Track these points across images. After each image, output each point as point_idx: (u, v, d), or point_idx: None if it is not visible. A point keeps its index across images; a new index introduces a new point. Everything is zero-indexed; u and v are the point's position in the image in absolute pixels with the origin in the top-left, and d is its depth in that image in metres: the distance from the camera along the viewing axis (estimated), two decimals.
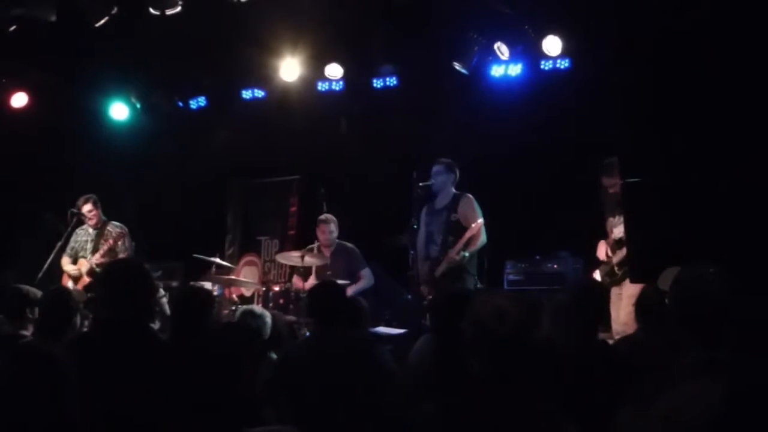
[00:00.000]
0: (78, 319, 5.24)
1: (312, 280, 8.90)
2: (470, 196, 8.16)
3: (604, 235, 7.67)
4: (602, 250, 7.64)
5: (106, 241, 8.79)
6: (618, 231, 7.40)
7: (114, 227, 8.93)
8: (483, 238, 7.98)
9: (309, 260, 8.85)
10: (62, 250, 8.92)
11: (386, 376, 4.94)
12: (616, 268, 7.41)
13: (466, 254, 7.87)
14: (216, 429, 3.88)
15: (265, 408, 4.87)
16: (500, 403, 2.84)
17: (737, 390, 2.55)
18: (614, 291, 7.35)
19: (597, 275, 7.62)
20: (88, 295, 8.37)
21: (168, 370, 3.75)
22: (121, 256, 8.76)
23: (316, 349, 5.03)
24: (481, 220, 7.90)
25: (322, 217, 9.08)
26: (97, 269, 8.65)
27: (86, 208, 8.88)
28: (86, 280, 8.68)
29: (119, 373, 3.67)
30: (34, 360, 3.67)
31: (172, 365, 3.79)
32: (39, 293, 5.42)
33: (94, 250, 8.81)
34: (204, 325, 4.67)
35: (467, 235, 7.85)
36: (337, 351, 4.90)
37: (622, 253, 7.26)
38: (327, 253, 9.00)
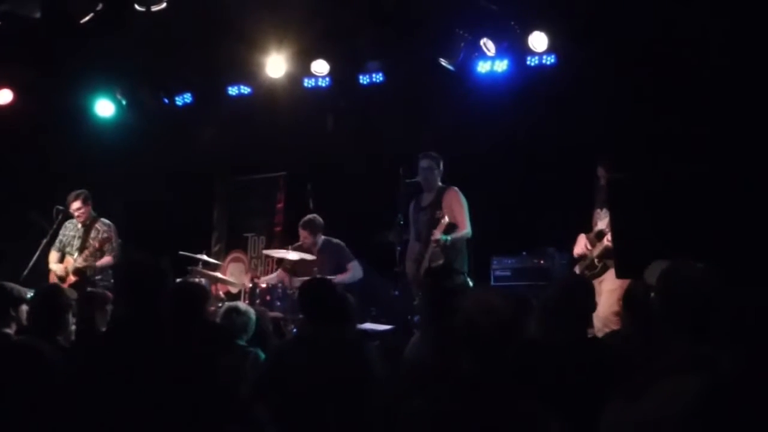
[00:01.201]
0: (69, 317, 5.22)
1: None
2: (455, 189, 8.07)
3: (589, 228, 7.67)
4: (581, 244, 7.62)
5: (94, 240, 8.76)
6: (602, 224, 7.41)
7: (102, 225, 8.88)
8: (467, 229, 7.90)
9: (296, 255, 8.85)
10: (49, 246, 8.89)
11: (376, 373, 4.95)
12: (596, 261, 7.39)
13: (447, 238, 7.79)
14: (198, 426, 3.88)
15: (256, 406, 4.87)
16: (488, 401, 2.85)
17: (716, 383, 2.57)
18: (594, 287, 7.32)
19: (576, 269, 7.61)
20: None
21: (171, 368, 3.75)
22: (106, 258, 8.73)
23: (306, 347, 5.02)
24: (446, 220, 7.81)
25: (303, 220, 9.06)
26: (85, 269, 8.63)
27: (75, 205, 8.84)
28: (72, 279, 8.64)
29: (141, 370, 3.67)
30: (24, 359, 3.66)
31: (174, 362, 3.79)
32: (23, 291, 5.39)
33: (81, 248, 8.77)
34: (200, 320, 4.67)
35: (434, 237, 7.76)
36: (328, 348, 4.90)
37: (602, 245, 7.25)
38: (314, 251, 8.99)
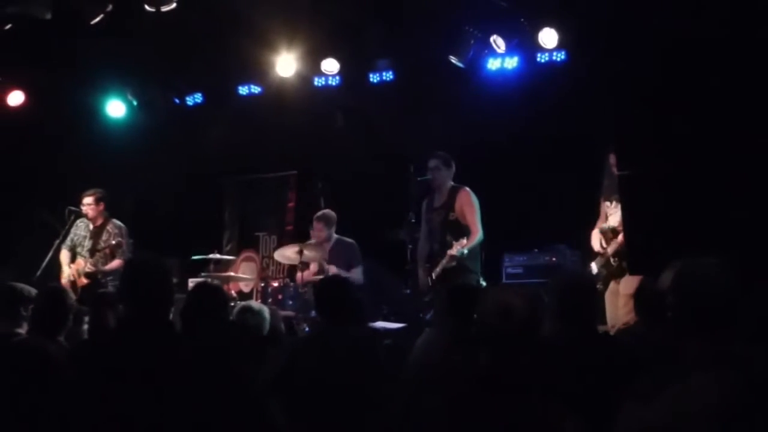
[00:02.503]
0: (71, 319, 5.21)
1: (313, 269, 8.89)
2: (467, 189, 8.02)
3: (595, 217, 7.64)
4: (596, 240, 7.60)
5: (105, 243, 8.75)
6: (613, 219, 7.38)
7: (114, 228, 8.82)
8: (479, 234, 7.87)
9: (307, 255, 8.84)
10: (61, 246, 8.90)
11: (387, 371, 4.96)
12: (611, 259, 7.37)
13: (464, 252, 7.76)
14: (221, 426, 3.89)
15: (270, 405, 4.88)
16: (505, 399, 2.85)
17: (756, 381, 2.55)
18: (611, 286, 7.31)
19: (593, 267, 7.58)
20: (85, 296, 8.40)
21: (186, 368, 3.76)
22: (118, 259, 8.72)
23: (320, 345, 5.03)
24: (464, 241, 7.70)
25: (317, 214, 9.07)
26: (96, 273, 8.64)
27: (86, 200, 8.82)
28: (84, 281, 8.65)
29: (144, 370, 3.68)
30: (28, 358, 3.67)
31: (190, 362, 3.80)
32: (33, 291, 5.40)
33: (92, 250, 8.77)
34: (220, 320, 4.69)
35: (462, 241, 7.75)
36: (341, 347, 4.91)
37: (617, 242, 7.24)
38: (327, 247, 8.98)
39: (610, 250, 7.36)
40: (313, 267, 8.97)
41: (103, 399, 3.63)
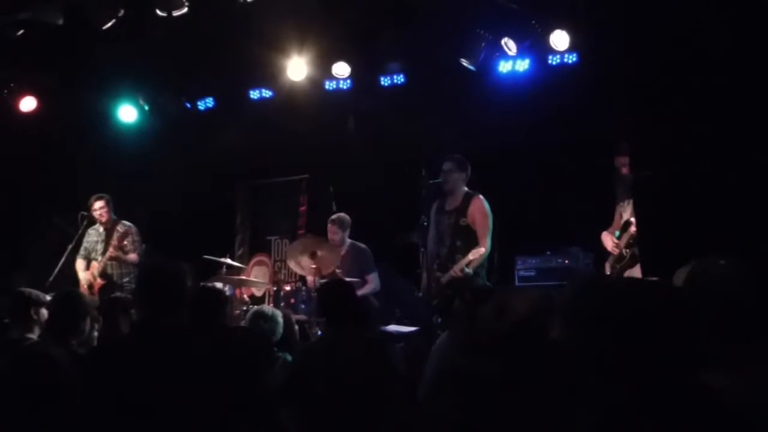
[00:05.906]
0: (87, 324, 5.21)
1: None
2: (481, 197, 8.00)
3: (609, 219, 7.64)
4: (608, 240, 7.61)
5: (115, 239, 8.82)
6: (626, 215, 7.38)
7: (123, 227, 8.95)
8: (487, 247, 7.83)
9: (321, 255, 8.83)
10: (74, 252, 8.95)
11: (399, 374, 4.95)
12: (624, 251, 7.38)
13: (470, 271, 7.72)
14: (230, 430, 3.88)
15: (282, 409, 4.87)
16: (508, 402, 2.83)
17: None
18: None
19: (607, 267, 7.59)
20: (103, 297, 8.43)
21: (195, 370, 3.76)
22: (131, 254, 8.78)
23: (331, 350, 5.01)
24: (483, 250, 7.72)
25: (332, 217, 9.06)
26: (111, 274, 8.68)
27: (97, 205, 8.91)
28: (100, 282, 8.69)
29: (157, 374, 3.68)
30: (34, 363, 3.67)
31: (197, 365, 3.80)
32: (41, 295, 5.41)
33: (105, 251, 8.83)
34: (219, 323, 4.68)
35: (469, 257, 7.67)
36: (350, 350, 4.89)
37: (628, 234, 7.25)
38: (341, 251, 8.98)
39: (622, 242, 7.38)
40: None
41: (114, 403, 3.63)
